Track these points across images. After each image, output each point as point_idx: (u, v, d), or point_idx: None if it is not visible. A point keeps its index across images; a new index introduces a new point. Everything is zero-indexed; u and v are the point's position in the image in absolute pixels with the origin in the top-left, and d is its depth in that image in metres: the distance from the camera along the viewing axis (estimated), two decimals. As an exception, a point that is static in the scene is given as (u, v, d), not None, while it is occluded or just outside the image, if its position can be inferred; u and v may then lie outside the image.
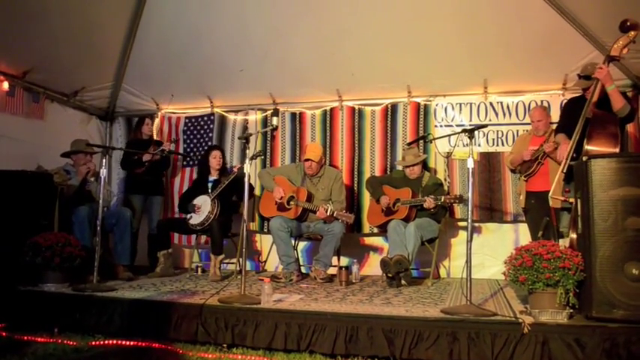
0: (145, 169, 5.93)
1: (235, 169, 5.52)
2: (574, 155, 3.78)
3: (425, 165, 5.60)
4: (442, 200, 4.86)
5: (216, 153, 5.78)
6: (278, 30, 5.45)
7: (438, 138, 5.14)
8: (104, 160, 4.48)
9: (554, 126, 5.22)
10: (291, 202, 5.36)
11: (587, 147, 3.71)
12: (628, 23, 3.70)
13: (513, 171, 5.19)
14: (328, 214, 5.04)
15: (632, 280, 3.05)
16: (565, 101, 5.14)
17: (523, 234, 5.47)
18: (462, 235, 5.82)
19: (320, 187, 5.45)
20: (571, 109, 4.24)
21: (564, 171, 3.78)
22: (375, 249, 6.08)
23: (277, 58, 5.73)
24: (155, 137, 6.52)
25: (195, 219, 5.44)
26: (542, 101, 5.57)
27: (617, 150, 3.67)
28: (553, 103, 5.53)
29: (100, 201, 4.44)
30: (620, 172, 3.16)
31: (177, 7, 5.41)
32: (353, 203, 6.01)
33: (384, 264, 4.75)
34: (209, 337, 3.50)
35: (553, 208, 4.61)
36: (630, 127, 5.07)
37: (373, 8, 5.08)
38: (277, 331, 3.38)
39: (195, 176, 6.34)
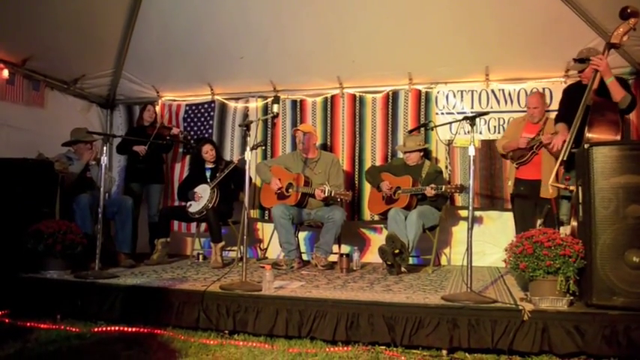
0: (146, 153, 5.91)
1: (236, 161, 5.53)
2: (573, 144, 3.77)
3: (426, 154, 5.59)
4: (443, 189, 4.86)
5: (207, 148, 5.72)
6: (279, 17, 5.41)
7: (439, 125, 5.12)
8: (105, 148, 4.48)
9: (551, 114, 5.23)
10: (290, 190, 5.36)
11: (588, 135, 3.70)
12: (628, 10, 3.67)
13: (504, 156, 5.19)
14: (326, 194, 5.04)
15: (633, 267, 3.05)
16: (564, 88, 5.14)
17: (524, 222, 5.48)
18: (463, 222, 5.83)
19: (317, 171, 5.45)
20: (570, 96, 4.23)
21: (565, 159, 3.78)
22: (376, 237, 6.09)
23: (278, 45, 5.70)
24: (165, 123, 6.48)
25: (194, 207, 5.46)
26: (543, 88, 5.53)
27: (618, 137, 3.67)
28: (555, 91, 5.50)
29: (102, 188, 4.45)
30: (621, 160, 3.15)
31: (178, -7, 5.39)
32: (353, 191, 6.00)
33: (382, 252, 4.75)
34: (210, 324, 3.52)
35: (552, 198, 4.64)
36: (632, 115, 5.05)
37: (374, -5, 5.05)
38: (278, 318, 3.41)
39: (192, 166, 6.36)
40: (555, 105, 5.34)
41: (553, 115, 5.22)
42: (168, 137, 6.10)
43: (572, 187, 3.58)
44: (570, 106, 4.00)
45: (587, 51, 4.13)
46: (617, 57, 4.94)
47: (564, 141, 3.88)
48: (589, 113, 3.77)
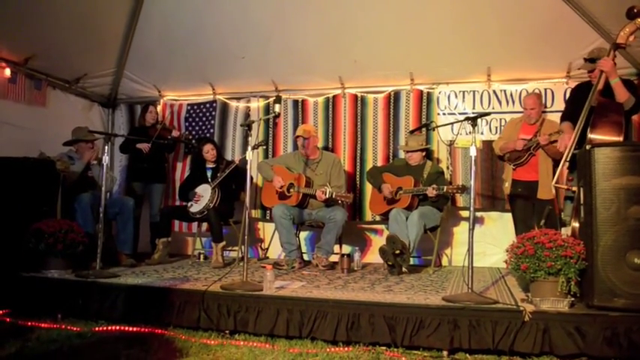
0: (150, 151, 5.91)
1: (237, 161, 5.53)
2: (577, 145, 3.76)
3: (428, 154, 5.59)
4: (444, 190, 4.86)
5: (207, 147, 5.72)
6: (280, 16, 5.41)
7: (440, 126, 5.11)
8: (106, 147, 4.48)
9: (548, 115, 5.25)
10: (292, 190, 5.36)
11: (591, 135, 3.69)
12: (635, 10, 3.65)
13: (501, 158, 5.19)
14: (327, 196, 5.05)
15: (634, 269, 3.05)
16: (570, 88, 5.14)
17: (525, 222, 5.48)
18: (464, 223, 5.82)
19: (318, 172, 5.45)
20: (578, 96, 4.22)
21: (568, 159, 3.77)
22: (377, 237, 6.08)
23: (280, 44, 5.70)
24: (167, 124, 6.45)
25: (195, 207, 5.46)
26: (545, 89, 5.55)
27: (620, 138, 3.65)
28: (556, 92, 5.52)
29: (103, 187, 4.45)
30: (623, 161, 3.14)
31: (179, -7, 5.39)
32: (355, 191, 6.01)
33: (382, 252, 4.75)
34: (211, 324, 3.53)
35: (549, 199, 4.64)
36: (635, 116, 5.05)
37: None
38: (279, 318, 3.41)
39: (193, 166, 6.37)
40: (557, 106, 5.39)
41: (550, 115, 5.26)
42: (169, 137, 6.11)
43: (574, 188, 3.57)
44: (577, 105, 4.00)
45: (598, 51, 4.12)
46: (620, 58, 4.92)
47: (570, 139, 3.87)
48: (593, 114, 3.76)
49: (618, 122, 3.71)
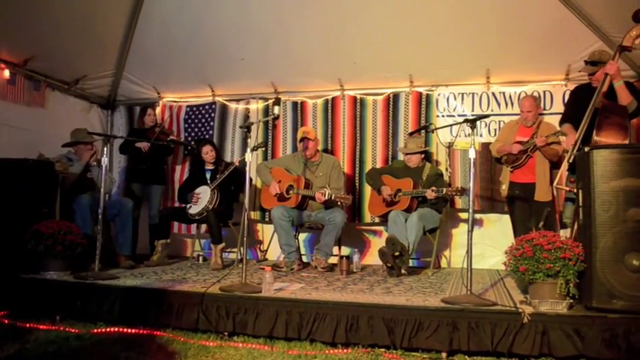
0: (149, 151, 5.90)
1: (237, 162, 5.53)
2: (580, 146, 3.76)
3: (427, 156, 5.59)
4: (443, 192, 4.85)
5: (207, 149, 5.73)
6: (280, 18, 5.42)
7: (439, 128, 5.11)
8: (105, 149, 4.48)
9: (545, 117, 5.26)
10: (291, 192, 5.36)
11: (596, 138, 3.69)
12: None
13: (498, 160, 5.19)
14: (326, 197, 5.04)
15: (633, 271, 3.05)
16: (569, 90, 5.14)
17: (524, 225, 5.47)
18: (463, 225, 5.82)
19: (318, 174, 5.45)
20: (578, 98, 4.22)
21: (570, 161, 3.77)
22: (377, 239, 6.08)
23: (279, 46, 5.71)
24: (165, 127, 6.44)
25: (194, 209, 5.46)
26: (544, 91, 5.56)
27: (626, 141, 3.66)
28: (555, 94, 5.52)
29: (102, 189, 4.45)
30: (622, 163, 3.14)
31: (179, -6, 5.39)
32: (354, 193, 6.00)
33: (382, 254, 4.75)
34: (210, 326, 3.52)
35: (547, 200, 4.65)
36: (634, 119, 5.06)
37: (376, -3, 5.05)
38: (278, 320, 3.41)
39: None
40: (555, 108, 5.39)
41: (548, 118, 5.26)
42: (168, 140, 6.10)
43: (576, 190, 3.57)
44: (577, 108, 4.00)
45: (599, 53, 4.12)
46: (619, 61, 4.94)
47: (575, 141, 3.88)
48: (597, 116, 3.76)
49: (623, 125, 3.72)
